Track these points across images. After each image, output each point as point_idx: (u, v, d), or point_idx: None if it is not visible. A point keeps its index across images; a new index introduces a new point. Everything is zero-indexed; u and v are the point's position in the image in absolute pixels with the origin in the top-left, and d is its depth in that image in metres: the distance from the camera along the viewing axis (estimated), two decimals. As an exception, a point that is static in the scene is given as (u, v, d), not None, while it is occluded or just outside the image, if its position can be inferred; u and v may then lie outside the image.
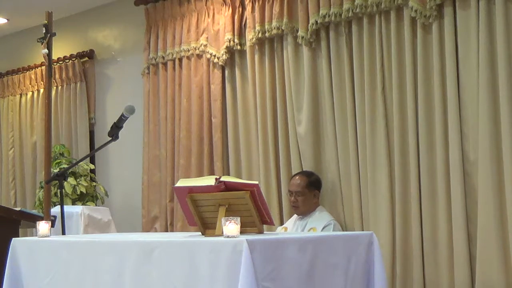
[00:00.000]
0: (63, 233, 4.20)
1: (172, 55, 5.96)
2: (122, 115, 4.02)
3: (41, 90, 7.25)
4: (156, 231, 5.92)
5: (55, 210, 5.00)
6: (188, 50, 5.82)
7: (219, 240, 2.78)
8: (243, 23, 5.47)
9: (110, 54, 6.79)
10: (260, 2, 5.26)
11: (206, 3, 5.71)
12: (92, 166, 6.33)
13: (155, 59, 6.10)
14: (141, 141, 6.16)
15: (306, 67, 5.03)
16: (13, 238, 3.58)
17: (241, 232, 2.82)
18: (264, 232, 3.20)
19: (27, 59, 7.40)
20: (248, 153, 5.43)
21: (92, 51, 6.90)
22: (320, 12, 4.87)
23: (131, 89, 6.43)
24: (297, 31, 5.04)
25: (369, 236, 3.26)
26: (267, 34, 5.23)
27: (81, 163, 5.68)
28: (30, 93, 7.42)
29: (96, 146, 6.61)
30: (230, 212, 3.05)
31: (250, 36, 5.35)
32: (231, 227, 2.78)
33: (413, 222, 4.43)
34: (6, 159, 7.61)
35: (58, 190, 4.41)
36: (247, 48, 5.41)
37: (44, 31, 4.80)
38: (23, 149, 7.44)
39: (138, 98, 6.17)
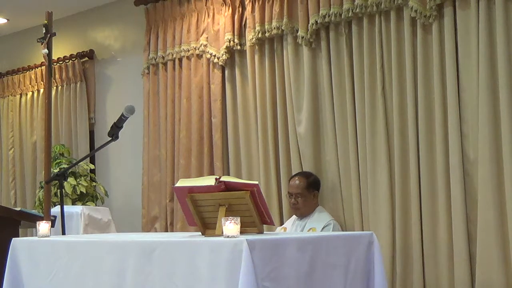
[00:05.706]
0: (63, 233, 4.20)
1: (172, 55, 5.96)
2: (122, 115, 4.03)
3: (41, 90, 7.24)
4: (156, 231, 5.91)
5: (55, 210, 4.99)
6: (188, 50, 5.82)
7: (219, 240, 2.78)
8: (243, 23, 5.47)
9: (110, 54, 6.79)
10: (260, 2, 5.25)
11: (206, 3, 5.71)
12: (92, 166, 6.33)
13: (155, 59, 6.10)
14: (141, 141, 6.16)
15: (306, 67, 5.03)
16: (13, 238, 3.58)
17: (241, 232, 2.82)
18: (264, 232, 3.20)
19: (27, 59, 7.39)
20: (248, 153, 5.43)
21: (92, 51, 6.89)
22: (320, 12, 4.87)
23: (131, 89, 6.42)
24: (297, 31, 5.04)
25: (369, 236, 3.26)
26: (267, 34, 5.22)
27: (81, 163, 5.68)
28: (30, 93, 7.41)
29: (96, 146, 6.60)
30: (230, 212, 3.05)
31: (250, 36, 5.35)
32: (231, 227, 2.78)
33: (413, 222, 4.43)
34: (6, 159, 7.60)
35: (58, 190, 4.42)
36: (247, 48, 5.41)
37: (44, 31, 4.80)
38: (23, 149, 7.43)
39: (138, 98, 6.16)
